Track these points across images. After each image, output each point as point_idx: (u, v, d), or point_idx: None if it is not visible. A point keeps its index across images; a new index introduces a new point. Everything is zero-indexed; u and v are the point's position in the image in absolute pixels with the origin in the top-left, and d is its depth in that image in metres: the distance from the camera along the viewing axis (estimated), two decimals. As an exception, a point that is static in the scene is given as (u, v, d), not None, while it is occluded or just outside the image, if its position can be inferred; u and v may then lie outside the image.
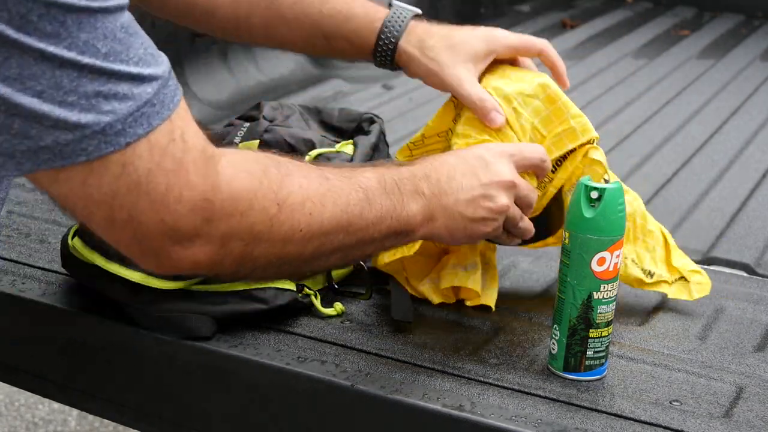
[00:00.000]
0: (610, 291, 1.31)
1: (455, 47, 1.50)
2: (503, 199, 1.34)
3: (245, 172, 1.11)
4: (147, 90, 1.00)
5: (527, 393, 1.31)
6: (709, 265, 1.79)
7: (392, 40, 1.51)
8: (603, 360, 1.34)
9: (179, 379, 1.43)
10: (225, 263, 1.11)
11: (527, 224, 1.40)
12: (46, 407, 2.91)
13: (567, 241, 1.31)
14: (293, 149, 1.66)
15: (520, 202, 1.38)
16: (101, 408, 1.55)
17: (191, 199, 1.04)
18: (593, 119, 2.56)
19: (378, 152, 1.66)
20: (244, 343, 1.39)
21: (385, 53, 1.52)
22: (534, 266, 1.69)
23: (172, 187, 1.03)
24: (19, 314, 1.54)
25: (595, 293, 1.30)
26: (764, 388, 1.35)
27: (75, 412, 2.87)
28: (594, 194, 1.29)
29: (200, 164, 1.05)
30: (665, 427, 1.25)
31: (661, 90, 2.86)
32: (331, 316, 1.46)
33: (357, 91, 2.74)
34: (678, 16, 3.76)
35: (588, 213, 1.29)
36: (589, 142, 1.48)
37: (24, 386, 1.65)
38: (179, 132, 1.03)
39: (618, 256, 1.30)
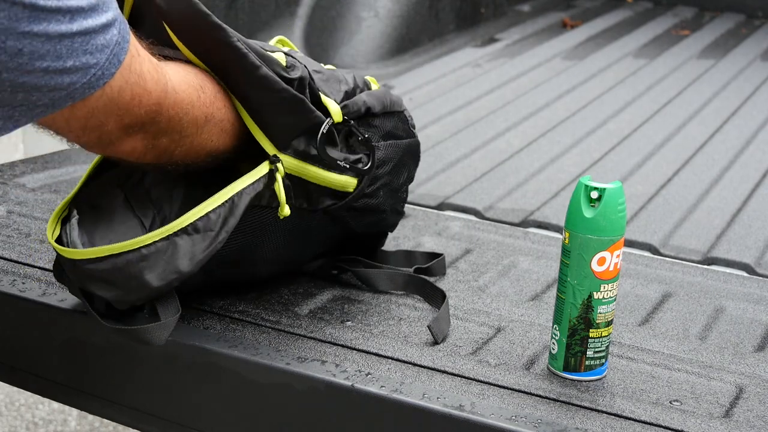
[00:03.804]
0: (610, 291, 1.31)
1: None
2: None
3: (187, 84, 1.29)
4: (114, 33, 1.13)
5: (527, 393, 1.31)
6: (709, 265, 1.79)
7: None
8: (603, 360, 1.34)
9: (179, 379, 1.43)
10: (149, 155, 1.30)
11: None
12: (46, 407, 2.91)
13: (567, 241, 1.31)
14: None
15: None
16: (101, 408, 1.55)
17: (148, 102, 1.22)
18: (594, 119, 2.57)
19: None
20: (244, 343, 1.39)
21: None
22: (534, 266, 1.69)
23: (135, 95, 1.20)
24: (19, 314, 1.54)
25: (595, 293, 1.30)
26: (764, 388, 1.35)
27: (75, 412, 2.87)
28: (594, 194, 1.29)
29: (154, 72, 1.23)
30: (665, 427, 1.25)
31: (661, 90, 2.86)
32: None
33: (357, 91, 2.73)
34: (678, 16, 3.76)
35: (588, 213, 1.29)
36: None
37: (24, 386, 1.65)
38: (134, 49, 1.19)
39: (618, 256, 1.30)
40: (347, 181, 1.48)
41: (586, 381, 1.34)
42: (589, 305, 1.31)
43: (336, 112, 1.44)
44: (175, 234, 1.33)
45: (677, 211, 2.00)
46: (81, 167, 1.98)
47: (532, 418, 1.26)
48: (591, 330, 1.32)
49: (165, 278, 1.33)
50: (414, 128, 1.63)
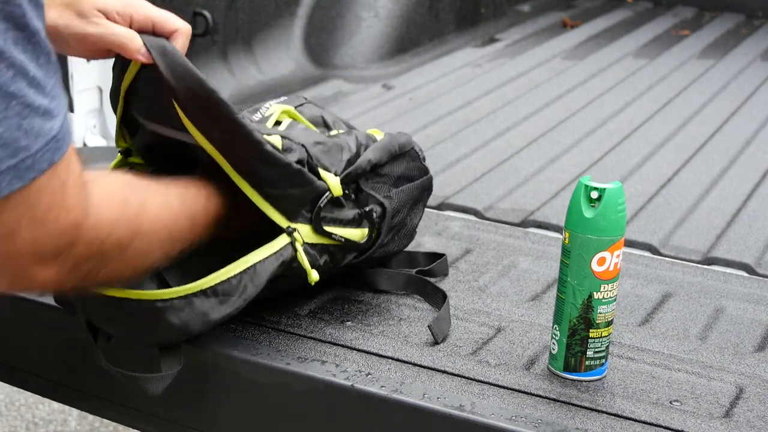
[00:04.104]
0: (610, 291, 1.31)
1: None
2: None
3: (109, 201, 1.14)
4: (55, 126, 1.01)
5: (527, 393, 1.31)
6: (709, 265, 1.79)
7: None
8: (603, 360, 1.34)
9: (179, 379, 1.43)
10: (68, 284, 1.13)
11: None
12: (46, 407, 2.91)
13: (567, 241, 1.31)
14: (326, 125, 1.63)
15: None
16: (101, 408, 1.55)
17: (65, 221, 1.06)
18: (594, 119, 2.57)
19: (398, 160, 1.62)
20: (244, 343, 1.39)
21: None
22: (534, 266, 1.69)
23: (52, 207, 1.04)
24: (19, 314, 1.54)
25: (595, 293, 1.30)
26: (764, 388, 1.35)
27: (75, 412, 2.87)
28: (594, 194, 1.28)
29: (77, 188, 1.07)
30: (665, 427, 1.25)
31: (661, 90, 2.86)
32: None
33: (357, 91, 2.74)
34: (678, 16, 3.76)
35: (588, 213, 1.28)
36: None
37: (24, 386, 1.65)
38: (68, 158, 1.05)
39: (618, 256, 1.30)
40: (364, 233, 1.50)
41: (586, 381, 1.34)
42: (589, 305, 1.31)
43: (335, 186, 1.44)
44: (194, 294, 1.33)
45: (677, 211, 2.00)
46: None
47: (532, 418, 1.26)
48: (591, 330, 1.32)
49: (173, 334, 1.34)
50: (425, 160, 1.63)
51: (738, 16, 3.76)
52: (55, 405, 2.90)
